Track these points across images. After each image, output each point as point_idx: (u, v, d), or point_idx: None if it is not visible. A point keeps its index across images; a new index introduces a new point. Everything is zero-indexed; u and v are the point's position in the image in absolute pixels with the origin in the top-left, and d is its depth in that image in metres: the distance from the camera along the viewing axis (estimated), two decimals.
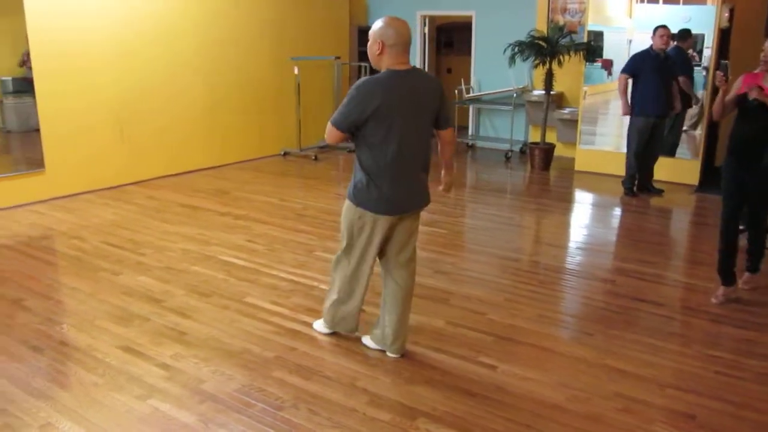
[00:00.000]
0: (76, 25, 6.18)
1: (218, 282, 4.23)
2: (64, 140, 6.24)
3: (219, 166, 7.91)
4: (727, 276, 4.04)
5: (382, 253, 3.19)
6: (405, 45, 2.89)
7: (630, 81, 6.43)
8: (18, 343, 3.36)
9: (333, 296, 3.32)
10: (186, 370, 3.10)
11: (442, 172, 3.34)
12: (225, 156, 8.04)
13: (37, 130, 6.04)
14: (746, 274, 4.28)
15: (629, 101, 6.45)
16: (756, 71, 3.90)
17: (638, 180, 6.73)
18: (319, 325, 3.51)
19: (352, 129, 2.92)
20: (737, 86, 3.93)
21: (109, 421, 2.69)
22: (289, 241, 5.07)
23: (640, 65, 6.34)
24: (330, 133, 2.96)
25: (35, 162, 6.09)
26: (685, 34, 6.83)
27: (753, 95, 3.73)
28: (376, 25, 2.89)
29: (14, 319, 3.64)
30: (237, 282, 4.23)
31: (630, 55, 6.68)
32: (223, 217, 5.72)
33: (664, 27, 6.26)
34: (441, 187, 3.38)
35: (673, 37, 6.45)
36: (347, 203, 3.10)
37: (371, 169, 2.95)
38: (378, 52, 2.88)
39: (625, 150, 6.82)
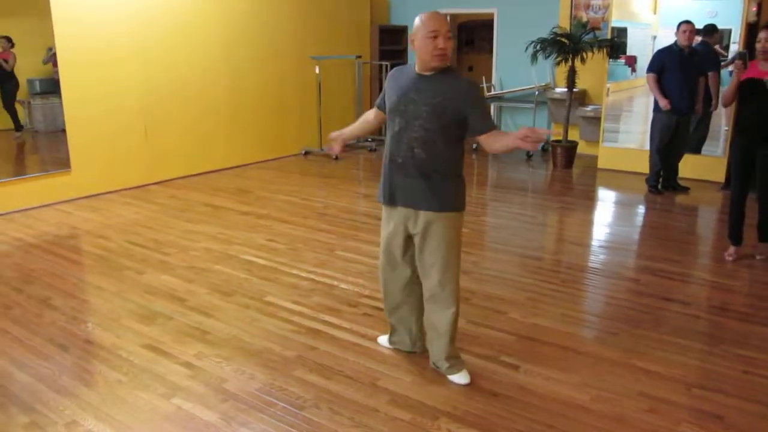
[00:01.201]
0: (101, 27, 6.25)
1: (240, 281, 4.25)
2: (89, 141, 6.32)
3: (241, 166, 7.96)
4: (737, 238, 4.70)
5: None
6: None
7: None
8: (45, 341, 3.41)
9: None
10: (208, 369, 3.12)
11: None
12: (247, 156, 8.09)
13: (64, 131, 6.13)
14: (760, 245, 4.69)
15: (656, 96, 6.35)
16: (753, 61, 4.52)
17: (663, 177, 6.64)
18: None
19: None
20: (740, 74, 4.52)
21: (134, 419, 2.71)
22: (310, 241, 5.08)
23: (665, 61, 6.25)
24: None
25: (61, 162, 6.19)
26: (710, 29, 6.71)
27: None
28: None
29: (42, 318, 3.69)
30: (258, 281, 4.25)
31: (654, 52, 6.58)
32: (245, 217, 5.75)
33: (687, 22, 6.15)
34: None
35: (698, 32, 6.34)
36: (452, 215, 2.87)
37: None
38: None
39: (648, 147, 6.74)
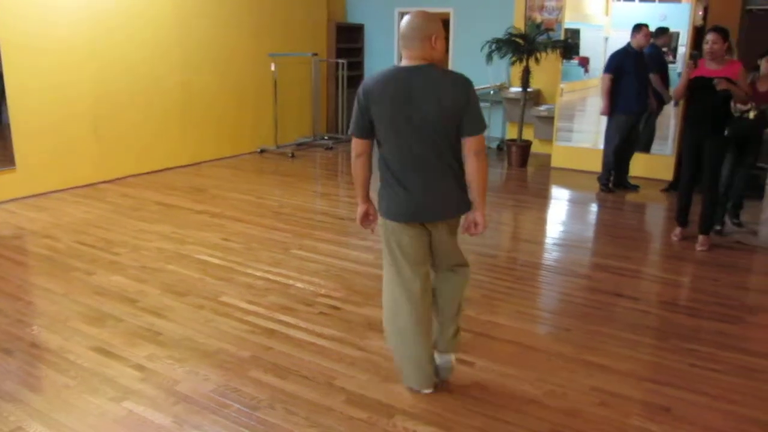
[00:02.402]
0: (47, 18, 6.06)
1: (194, 281, 4.17)
2: (35, 137, 6.11)
3: (195, 164, 7.83)
4: (684, 221, 5.15)
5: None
6: (405, 38, 2.60)
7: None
8: None
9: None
10: (161, 371, 3.05)
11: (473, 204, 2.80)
12: (201, 153, 7.96)
13: (7, 126, 5.92)
14: (701, 237, 4.96)
15: (604, 99, 6.49)
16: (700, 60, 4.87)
17: (614, 176, 6.79)
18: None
19: (365, 134, 2.70)
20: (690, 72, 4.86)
21: (83, 424, 2.63)
22: (265, 240, 5.02)
23: (622, 63, 6.36)
24: (353, 145, 2.77)
25: (6, 159, 5.97)
26: (661, 31, 6.89)
27: (721, 86, 4.55)
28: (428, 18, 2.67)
29: None
30: (213, 281, 4.18)
31: (609, 54, 6.69)
32: (199, 216, 5.65)
33: (646, 26, 6.33)
34: (469, 226, 2.87)
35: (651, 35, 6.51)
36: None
37: (384, 176, 2.75)
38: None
39: (602, 147, 6.87)
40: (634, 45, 6.35)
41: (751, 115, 4.70)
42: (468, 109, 2.60)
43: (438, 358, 2.95)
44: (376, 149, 2.78)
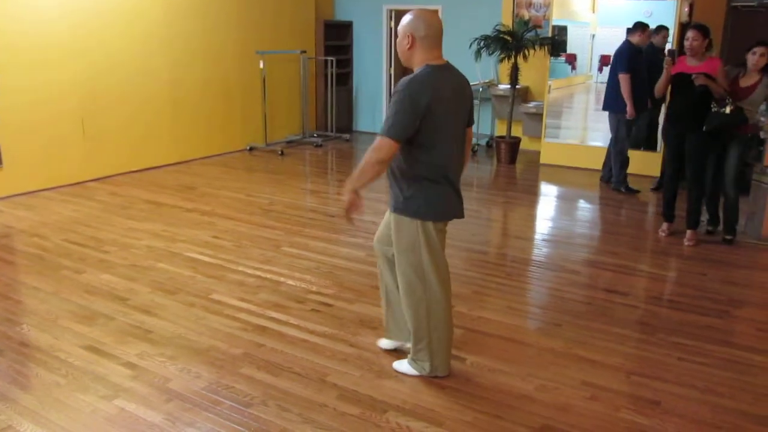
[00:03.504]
0: (34, 16, 6.01)
1: (184, 279, 4.16)
2: (23, 135, 6.06)
3: (184, 162, 7.80)
4: (670, 216, 5.23)
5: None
6: (437, 37, 2.68)
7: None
8: None
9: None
10: (152, 369, 3.05)
11: None
12: (190, 151, 7.92)
13: None
14: (688, 232, 5.05)
15: (608, 97, 6.43)
16: (681, 56, 4.97)
17: (608, 174, 6.77)
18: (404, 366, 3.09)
19: (409, 136, 2.61)
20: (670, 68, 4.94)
21: (74, 423, 2.63)
22: (255, 237, 5.02)
23: (635, 62, 6.29)
24: (383, 149, 2.58)
25: None
26: (659, 29, 6.89)
27: (699, 81, 4.67)
28: (405, 19, 2.68)
29: None
30: (203, 279, 4.17)
31: (621, 52, 6.43)
32: (189, 213, 5.63)
33: (648, 25, 6.36)
34: None
35: (629, 31, 6.50)
36: (404, 219, 2.79)
37: (425, 174, 2.71)
38: (408, 46, 2.66)
39: (592, 143, 6.88)
40: (636, 43, 6.34)
41: (727, 109, 4.76)
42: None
43: (390, 345, 3.20)
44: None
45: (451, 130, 2.72)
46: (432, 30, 2.66)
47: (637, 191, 6.60)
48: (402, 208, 2.77)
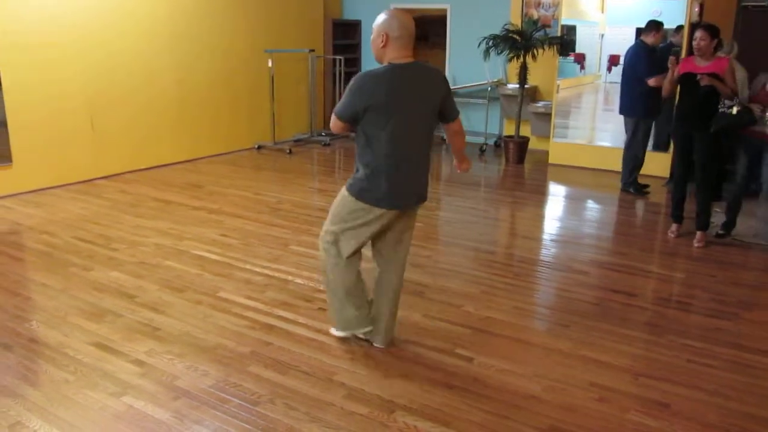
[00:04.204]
0: (43, 14, 6.03)
1: (192, 277, 4.17)
2: (31, 133, 6.09)
3: (192, 160, 7.82)
4: (678, 217, 5.20)
5: (376, 248, 3.18)
6: (409, 37, 2.86)
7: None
8: None
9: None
10: (160, 367, 3.06)
11: (454, 162, 3.41)
12: (198, 149, 7.94)
13: (4, 123, 5.89)
14: (698, 233, 5.00)
15: (624, 101, 6.38)
16: (689, 56, 5.02)
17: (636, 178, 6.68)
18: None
19: (352, 120, 2.89)
20: (677, 68, 4.95)
21: (82, 419, 2.64)
22: (263, 236, 5.02)
23: (651, 62, 6.18)
24: (333, 123, 2.95)
25: (2, 155, 5.94)
26: (678, 29, 6.84)
27: (704, 81, 4.67)
28: (380, 17, 2.85)
29: None
30: (211, 277, 4.18)
31: (644, 54, 6.30)
32: (197, 212, 5.65)
33: (662, 24, 6.30)
34: (459, 169, 3.41)
35: (639, 31, 6.43)
36: (344, 194, 3.04)
37: (371, 163, 2.91)
38: (382, 44, 2.84)
39: (601, 143, 6.85)
40: (650, 43, 6.26)
41: (734, 110, 4.74)
42: None
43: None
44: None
45: (406, 126, 2.87)
46: (405, 31, 2.83)
47: (647, 192, 6.55)
48: (348, 185, 3.02)
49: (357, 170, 2.99)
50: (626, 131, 6.55)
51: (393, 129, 2.84)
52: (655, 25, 6.27)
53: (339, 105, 2.90)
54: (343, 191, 3.05)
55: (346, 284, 3.16)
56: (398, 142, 2.88)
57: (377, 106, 2.80)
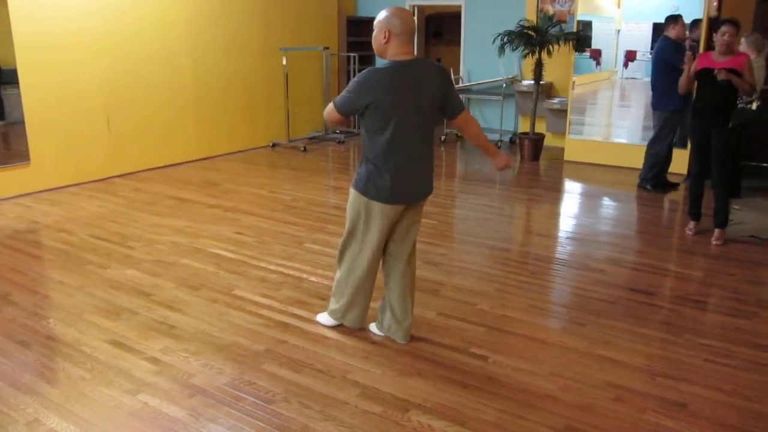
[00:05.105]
0: (60, 14, 6.09)
1: (207, 275, 4.19)
2: (48, 132, 6.16)
3: (207, 158, 7.85)
4: (696, 215, 5.13)
5: (384, 243, 3.18)
6: (410, 34, 2.91)
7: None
8: (4, 338, 3.32)
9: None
10: (175, 364, 3.07)
11: (489, 157, 3.28)
12: (213, 148, 7.98)
13: (22, 122, 5.96)
14: (716, 231, 4.94)
15: (654, 95, 6.31)
16: (706, 51, 5.01)
17: (660, 173, 6.58)
18: (324, 318, 3.51)
19: (351, 114, 2.98)
20: (695, 64, 4.94)
21: (99, 416, 2.66)
22: (278, 233, 5.03)
23: (677, 56, 5.98)
24: (329, 112, 2.99)
25: (19, 154, 6.01)
26: (695, 23, 6.75)
27: (721, 76, 4.64)
28: (382, 14, 2.90)
29: (1, 314, 3.59)
30: (226, 274, 4.20)
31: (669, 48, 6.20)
32: (212, 209, 5.67)
33: (682, 17, 6.23)
34: (499, 166, 3.26)
35: (656, 26, 6.33)
36: (351, 192, 3.10)
37: (375, 159, 2.96)
38: (384, 41, 2.88)
39: (617, 140, 6.77)
40: (674, 37, 6.19)
41: (754, 106, 4.68)
42: None
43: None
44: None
45: (408, 122, 2.91)
46: (406, 28, 2.87)
47: (667, 190, 6.45)
48: (354, 182, 3.07)
49: (361, 165, 3.04)
50: (653, 126, 6.48)
51: (396, 125, 2.88)
52: (672, 19, 6.20)
53: (340, 98, 2.94)
54: (351, 190, 3.10)
55: (363, 276, 3.22)
56: (401, 138, 2.92)
57: (379, 104, 2.85)
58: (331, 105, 2.97)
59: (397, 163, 2.94)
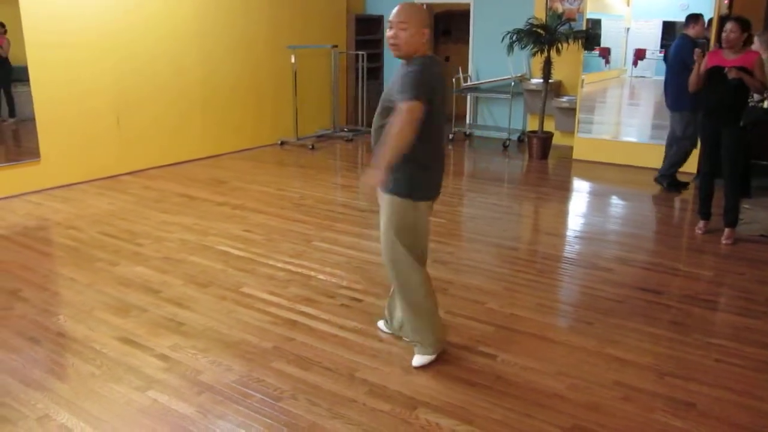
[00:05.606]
0: (70, 12, 6.12)
1: (216, 272, 4.21)
2: (59, 130, 6.19)
3: (215, 156, 7.88)
4: (706, 214, 5.12)
5: None
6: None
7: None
8: (15, 334, 3.34)
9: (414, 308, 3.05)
10: (184, 361, 3.09)
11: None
12: (221, 145, 8.00)
13: (33, 120, 5.99)
14: (726, 230, 4.91)
15: (673, 96, 6.25)
16: (717, 49, 4.95)
17: (674, 174, 6.54)
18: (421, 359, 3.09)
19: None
20: (705, 62, 4.91)
21: (108, 413, 2.67)
22: (286, 231, 5.04)
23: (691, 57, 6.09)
24: (413, 108, 2.61)
25: (30, 152, 6.05)
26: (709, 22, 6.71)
27: (732, 75, 4.62)
28: (415, 12, 2.77)
29: (11, 311, 3.62)
30: (234, 272, 4.21)
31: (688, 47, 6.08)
32: (221, 207, 5.69)
33: (702, 16, 6.19)
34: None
35: (666, 25, 6.29)
36: (393, 200, 2.88)
37: (424, 158, 2.83)
38: (424, 39, 2.82)
39: (625, 139, 6.74)
40: (693, 35, 6.14)
41: (765, 104, 4.65)
42: None
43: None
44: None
45: (442, 118, 2.93)
46: (428, 21, 2.91)
47: (678, 190, 6.41)
48: (393, 189, 2.86)
49: (397, 171, 2.77)
50: (671, 126, 6.42)
51: (439, 121, 2.89)
52: (693, 18, 6.16)
53: (415, 89, 2.63)
54: (390, 198, 2.89)
55: (431, 291, 3.06)
56: (440, 132, 2.97)
57: (435, 99, 2.79)
58: (410, 103, 2.61)
59: (439, 156, 2.98)
